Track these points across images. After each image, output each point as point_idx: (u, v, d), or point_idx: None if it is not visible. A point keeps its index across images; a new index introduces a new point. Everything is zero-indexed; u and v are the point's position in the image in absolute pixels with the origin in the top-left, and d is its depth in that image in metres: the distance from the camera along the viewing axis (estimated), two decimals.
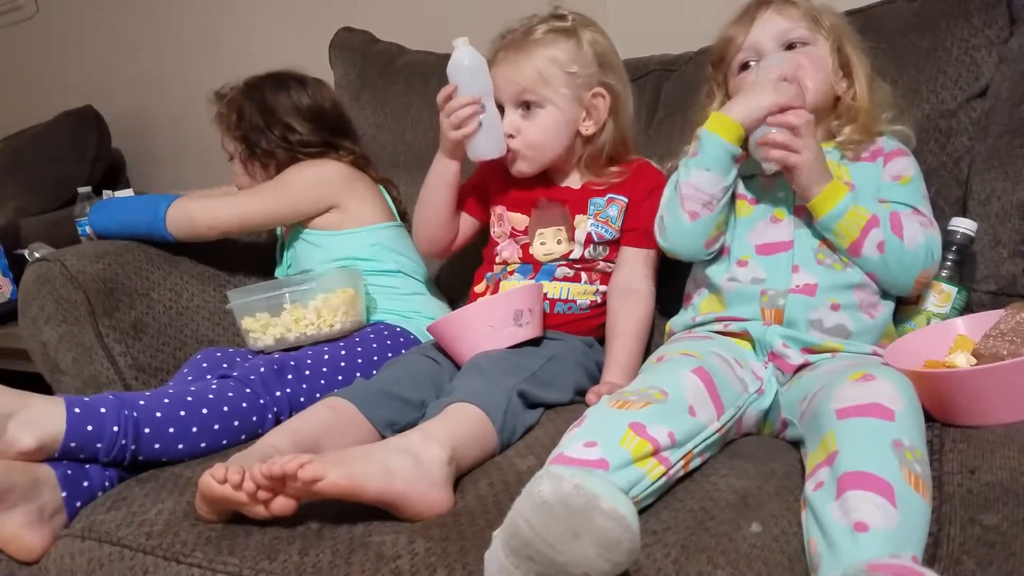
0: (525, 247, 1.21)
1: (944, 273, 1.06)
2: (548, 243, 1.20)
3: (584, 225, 1.19)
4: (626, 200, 1.19)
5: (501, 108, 1.17)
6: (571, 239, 1.19)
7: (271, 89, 1.38)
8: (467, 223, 1.28)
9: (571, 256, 1.19)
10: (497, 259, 1.24)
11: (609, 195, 1.20)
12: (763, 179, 1.07)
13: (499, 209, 1.25)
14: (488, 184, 1.26)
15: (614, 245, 1.21)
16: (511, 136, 1.17)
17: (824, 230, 1.01)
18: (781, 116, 0.97)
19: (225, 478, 0.80)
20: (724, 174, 1.02)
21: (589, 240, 1.19)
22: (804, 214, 1.03)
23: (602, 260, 1.21)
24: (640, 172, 1.21)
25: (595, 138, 1.20)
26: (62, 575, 0.90)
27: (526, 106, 1.16)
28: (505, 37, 1.18)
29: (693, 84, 1.22)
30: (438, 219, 1.24)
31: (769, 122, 0.98)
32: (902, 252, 0.98)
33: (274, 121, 1.36)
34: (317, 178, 1.34)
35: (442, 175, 1.22)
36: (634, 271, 1.18)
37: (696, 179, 1.03)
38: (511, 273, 1.22)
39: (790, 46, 1.06)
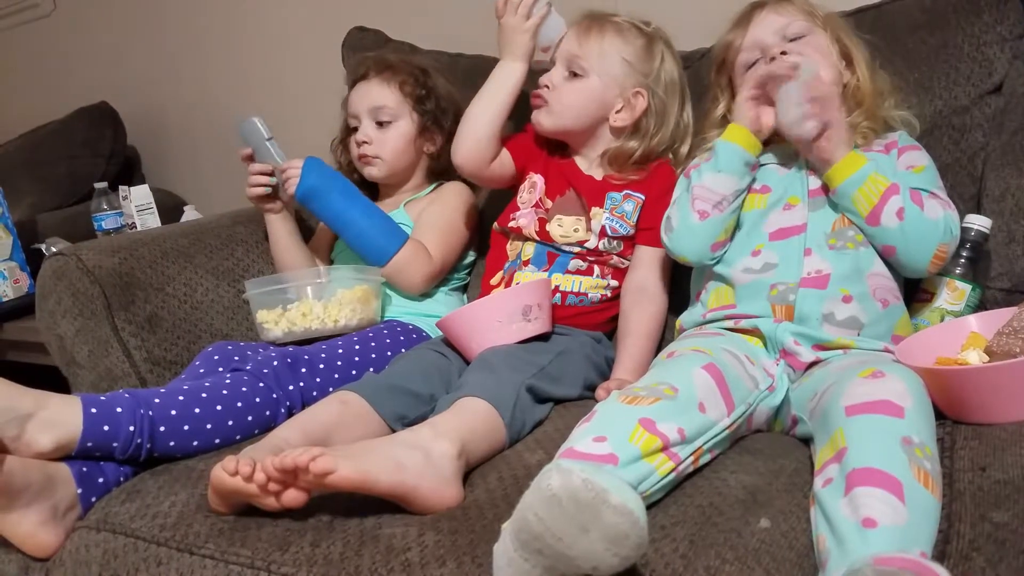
0: (542, 221, 1.23)
1: (958, 270, 1.05)
2: (565, 227, 1.22)
3: (599, 217, 1.20)
4: (643, 197, 1.20)
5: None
6: (588, 229, 1.21)
7: (446, 83, 1.41)
8: (505, 158, 1.27)
9: (586, 245, 1.20)
10: (512, 223, 1.25)
11: (626, 191, 1.21)
12: (778, 167, 1.08)
13: (535, 177, 1.26)
14: (535, 149, 1.28)
15: (628, 241, 1.21)
16: (546, 87, 1.21)
17: (842, 199, 1.00)
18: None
19: (236, 470, 0.81)
20: (738, 178, 1.04)
21: (603, 233, 1.20)
22: (819, 198, 1.04)
23: (615, 255, 1.21)
24: (659, 171, 1.22)
25: (623, 136, 1.21)
26: (77, 566, 0.91)
27: (573, 74, 1.20)
28: (589, 12, 1.23)
29: (707, 80, 1.22)
30: (491, 127, 1.23)
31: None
32: (922, 220, 0.97)
33: (454, 110, 1.39)
34: None
35: (507, 78, 1.22)
36: (648, 271, 1.19)
37: (709, 181, 1.04)
38: (525, 264, 1.23)
39: (791, 40, 1.08)
